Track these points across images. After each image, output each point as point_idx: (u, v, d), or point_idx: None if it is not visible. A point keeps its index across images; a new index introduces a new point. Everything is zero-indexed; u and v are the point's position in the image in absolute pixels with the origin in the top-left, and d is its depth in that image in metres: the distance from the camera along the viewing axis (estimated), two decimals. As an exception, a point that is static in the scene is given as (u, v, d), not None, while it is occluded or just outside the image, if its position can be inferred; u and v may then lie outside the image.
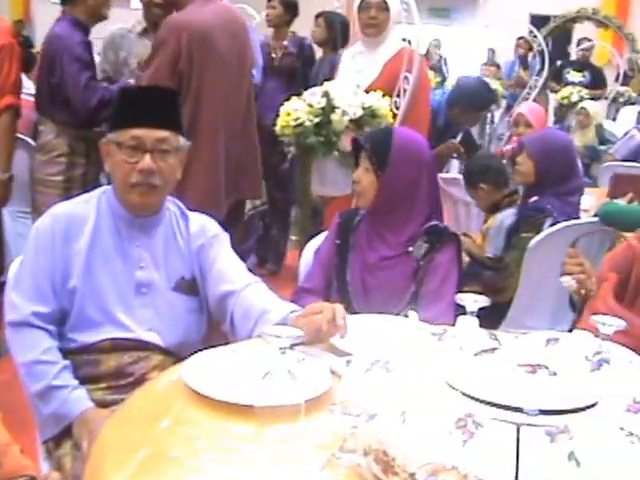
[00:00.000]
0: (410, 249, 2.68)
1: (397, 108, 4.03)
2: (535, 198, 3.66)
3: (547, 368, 1.54)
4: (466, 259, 3.80)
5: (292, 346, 1.74)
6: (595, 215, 3.83)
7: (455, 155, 5.21)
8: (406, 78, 4.02)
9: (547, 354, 1.67)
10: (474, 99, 5.05)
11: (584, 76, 10.56)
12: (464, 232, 4.10)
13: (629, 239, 2.64)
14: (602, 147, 6.98)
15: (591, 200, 4.68)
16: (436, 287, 2.64)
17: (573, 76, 10.47)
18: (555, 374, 1.53)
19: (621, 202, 3.87)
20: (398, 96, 4.04)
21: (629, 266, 2.58)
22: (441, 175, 4.96)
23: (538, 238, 3.51)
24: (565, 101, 8.65)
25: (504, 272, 3.59)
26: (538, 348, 1.75)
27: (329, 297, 2.66)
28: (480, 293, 3.29)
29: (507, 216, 3.79)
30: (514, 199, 3.93)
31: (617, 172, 4.79)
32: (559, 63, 10.92)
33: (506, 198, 3.98)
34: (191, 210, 2.49)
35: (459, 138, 5.22)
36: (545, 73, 8.03)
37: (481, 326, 1.90)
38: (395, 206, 2.69)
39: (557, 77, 10.02)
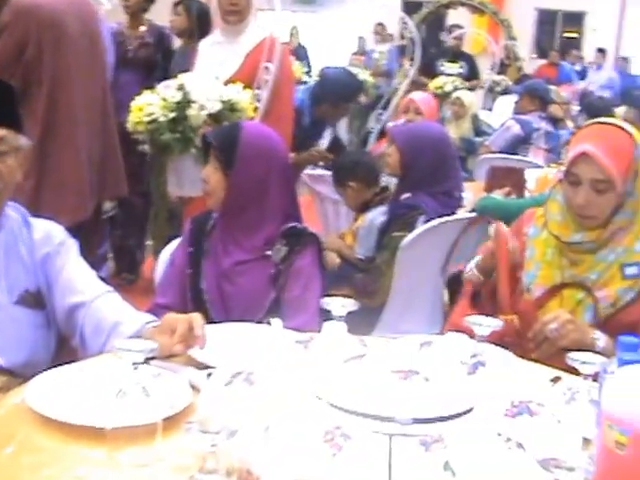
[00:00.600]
0: (268, 253, 2.68)
1: (259, 101, 4.02)
2: (407, 195, 3.71)
3: (420, 374, 1.57)
4: (337, 260, 3.85)
5: (147, 360, 1.71)
6: (472, 210, 3.93)
7: (322, 164, 5.17)
8: (267, 68, 4.01)
9: (420, 359, 1.70)
10: (342, 90, 5.09)
11: (461, 67, 10.82)
12: (342, 233, 4.15)
13: (487, 243, 2.77)
14: (478, 139, 7.15)
15: (467, 194, 4.80)
16: (299, 293, 2.66)
17: (449, 68, 10.72)
18: (428, 380, 1.56)
19: (498, 196, 3.97)
20: (259, 88, 4.03)
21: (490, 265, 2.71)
22: (306, 172, 5.01)
23: (411, 237, 3.57)
24: (439, 91, 8.83)
25: (375, 274, 3.64)
26: (411, 353, 1.78)
27: (187, 310, 2.64)
28: (351, 296, 3.36)
29: (378, 215, 3.83)
30: (385, 197, 3.97)
31: (494, 165, 4.92)
32: (430, 53, 11.16)
33: (377, 196, 4.02)
34: (47, 216, 2.43)
35: (326, 142, 5.23)
36: (417, 63, 8.17)
37: (351, 331, 1.92)
38: (246, 207, 2.68)
39: (428, 70, 10.15)
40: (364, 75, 8.48)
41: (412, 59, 8.44)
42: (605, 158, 2.42)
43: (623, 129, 2.49)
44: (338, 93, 5.06)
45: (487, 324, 1.88)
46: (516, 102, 7.24)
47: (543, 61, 16.06)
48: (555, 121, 6.97)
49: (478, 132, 7.40)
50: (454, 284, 2.89)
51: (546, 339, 2.40)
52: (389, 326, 3.69)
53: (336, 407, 1.46)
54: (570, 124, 7.69)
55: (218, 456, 1.43)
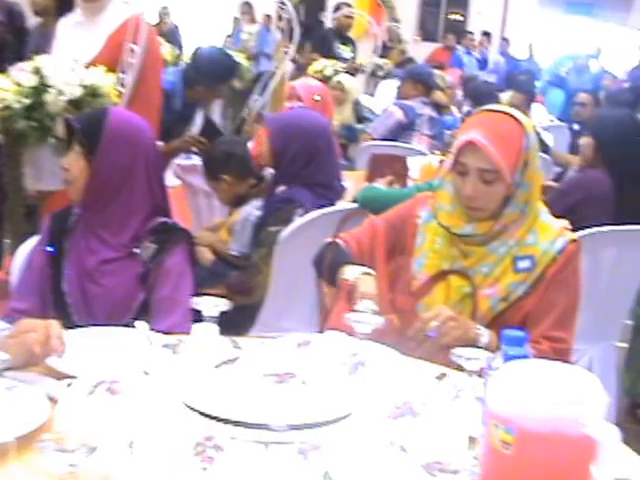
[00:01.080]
0: (136, 251, 2.64)
1: (123, 86, 3.94)
2: (282, 188, 3.69)
3: (296, 376, 1.56)
4: (210, 256, 3.81)
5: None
6: (354, 201, 3.93)
7: (196, 150, 5.10)
8: (132, 50, 3.94)
9: (298, 360, 1.69)
10: (216, 70, 5.02)
11: (352, 51, 10.85)
12: (215, 225, 4.09)
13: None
14: (360, 126, 7.17)
15: (348, 184, 4.82)
16: (169, 294, 2.62)
17: (343, 50, 10.76)
18: (305, 383, 1.54)
19: (380, 185, 3.98)
20: (124, 72, 3.95)
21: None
22: (178, 162, 4.93)
23: (288, 231, 3.55)
24: (319, 75, 8.80)
25: (252, 271, 3.60)
26: (287, 354, 1.77)
27: (47, 315, 2.57)
28: (226, 295, 3.33)
29: (253, 209, 3.79)
30: (261, 190, 3.93)
31: (375, 153, 4.94)
32: (324, 32, 11.14)
33: (252, 189, 3.98)
34: None
35: (198, 127, 5.17)
36: (295, 45, 8.16)
37: (226, 332, 1.90)
38: (110, 199, 2.63)
39: (323, 48, 10.12)
40: (239, 58, 8.42)
41: (291, 41, 8.42)
42: (492, 147, 2.44)
43: (513, 117, 2.51)
44: (212, 73, 5.00)
45: (368, 321, 1.89)
46: (398, 87, 7.28)
47: (428, 44, 16.28)
48: (439, 107, 7.05)
49: (360, 118, 7.43)
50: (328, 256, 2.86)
51: (427, 338, 2.43)
52: (268, 325, 3.66)
53: (206, 416, 1.43)
54: (455, 110, 7.80)
55: (77, 477, 1.39)
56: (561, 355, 2.51)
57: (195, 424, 1.44)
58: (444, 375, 2.04)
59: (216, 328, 1.86)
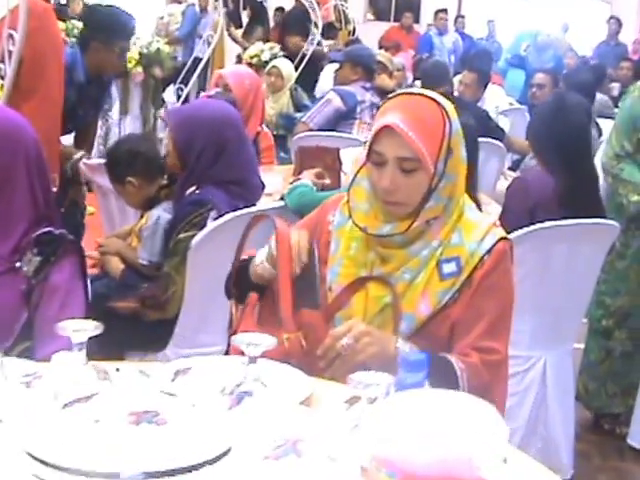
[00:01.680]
0: (18, 264, 2.53)
1: (2, 78, 3.82)
2: (192, 189, 3.59)
3: (160, 414, 1.46)
4: (120, 266, 3.70)
5: None
6: (281, 198, 3.85)
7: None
8: (10, 37, 3.81)
9: (168, 393, 1.59)
10: (111, 24, 4.86)
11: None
12: (124, 230, 3.99)
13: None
14: (300, 114, 7.07)
15: (277, 181, 4.72)
16: (55, 314, 2.50)
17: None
18: (169, 422, 1.45)
19: (307, 181, 3.87)
20: (2, 62, 3.83)
21: None
22: (85, 161, 4.80)
23: (200, 236, 3.46)
24: (255, 60, 8.72)
25: (165, 282, 3.50)
26: (158, 386, 1.67)
27: None
28: (137, 310, 3.22)
29: (163, 212, 3.69)
30: (172, 191, 3.80)
31: (303, 145, 4.84)
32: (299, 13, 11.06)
33: (163, 190, 3.85)
34: None
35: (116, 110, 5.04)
36: (221, 28, 8.07)
37: (139, 350, 1.79)
38: None
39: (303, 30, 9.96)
40: (158, 44, 8.25)
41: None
42: (411, 132, 2.34)
43: (435, 100, 2.43)
44: (103, 24, 4.84)
45: (258, 343, 1.79)
46: (336, 71, 7.17)
47: (381, 23, 16.19)
48: (384, 92, 6.94)
49: (299, 107, 7.35)
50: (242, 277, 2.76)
51: (339, 356, 2.31)
52: (185, 340, 3.59)
53: (48, 465, 1.33)
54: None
55: None
56: (493, 367, 2.45)
57: (36, 473, 1.34)
58: (356, 399, 1.94)
59: (82, 357, 1.76)
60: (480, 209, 3.54)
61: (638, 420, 4.39)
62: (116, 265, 3.71)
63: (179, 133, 3.59)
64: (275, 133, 6.86)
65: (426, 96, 2.46)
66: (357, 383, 1.65)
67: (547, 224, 3.68)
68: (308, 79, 9.54)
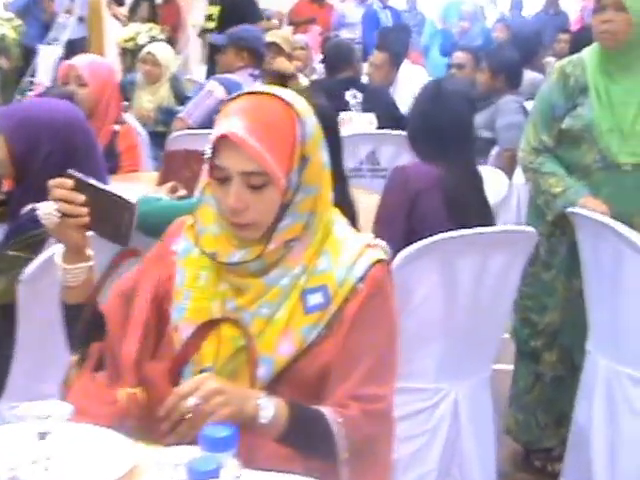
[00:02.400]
0: None
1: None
2: (32, 206, 3.43)
3: None
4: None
5: None
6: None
7: None
8: None
9: None
10: None
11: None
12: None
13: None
14: (182, 108, 6.94)
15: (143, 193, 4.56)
16: None
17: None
18: None
19: (164, 195, 3.74)
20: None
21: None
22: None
23: (37, 263, 3.31)
24: (130, 44, 8.52)
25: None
26: None
27: None
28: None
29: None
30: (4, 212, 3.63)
31: (170, 149, 4.72)
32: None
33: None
34: None
35: None
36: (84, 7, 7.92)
37: None
38: None
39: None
40: (3, 29, 7.98)
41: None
42: (255, 142, 2.22)
43: (282, 100, 2.30)
44: None
45: (46, 415, 1.64)
46: (217, 57, 7.05)
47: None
48: (284, 77, 6.83)
49: (182, 99, 7.22)
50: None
51: (185, 418, 2.16)
52: (21, 391, 3.43)
53: None
54: (304, 81, 7.58)
55: None
56: (376, 417, 2.35)
57: None
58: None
59: None
60: (352, 212, 3.46)
61: (571, 455, 4.26)
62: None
63: (16, 140, 3.43)
64: (154, 130, 6.74)
65: (273, 95, 2.32)
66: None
67: (452, 234, 3.55)
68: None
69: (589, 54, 4.33)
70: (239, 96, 2.35)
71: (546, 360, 4.49)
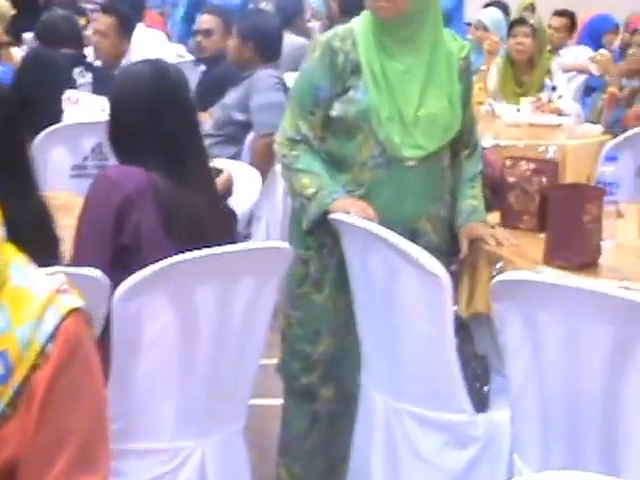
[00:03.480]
0: None
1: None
2: None
3: None
4: None
5: None
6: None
7: None
8: None
9: None
10: None
11: None
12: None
13: None
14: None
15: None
16: None
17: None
18: None
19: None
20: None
21: None
22: None
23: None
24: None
25: None
26: None
27: None
28: None
29: None
30: None
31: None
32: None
33: None
34: None
35: None
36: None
37: None
38: None
39: None
40: None
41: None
42: None
43: None
44: None
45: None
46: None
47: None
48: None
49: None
50: None
51: None
52: None
53: None
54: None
55: None
56: None
57: None
58: None
59: None
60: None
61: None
62: None
63: None
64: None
65: None
66: None
67: (185, 256, 3.41)
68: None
69: (361, 25, 4.21)
70: None
71: (323, 397, 4.41)
